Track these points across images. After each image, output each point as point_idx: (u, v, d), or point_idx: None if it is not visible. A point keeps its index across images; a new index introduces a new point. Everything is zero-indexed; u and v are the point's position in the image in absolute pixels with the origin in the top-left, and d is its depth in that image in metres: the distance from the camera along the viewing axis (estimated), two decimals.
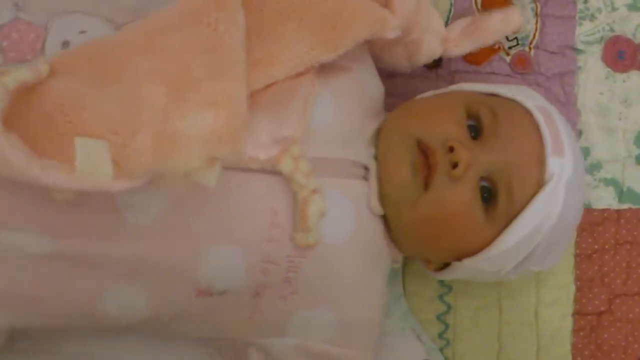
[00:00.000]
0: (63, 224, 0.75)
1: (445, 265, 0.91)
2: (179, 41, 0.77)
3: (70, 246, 0.76)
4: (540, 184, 0.83)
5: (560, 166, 0.83)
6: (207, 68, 0.76)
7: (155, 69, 0.76)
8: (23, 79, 0.73)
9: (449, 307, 1.02)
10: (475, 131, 0.84)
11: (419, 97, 0.94)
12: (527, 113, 0.86)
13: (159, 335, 0.92)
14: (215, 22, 0.77)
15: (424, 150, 0.82)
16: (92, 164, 0.70)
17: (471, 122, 0.84)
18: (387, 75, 0.96)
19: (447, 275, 0.92)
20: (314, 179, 0.78)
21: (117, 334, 0.92)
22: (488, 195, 0.83)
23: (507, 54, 1.06)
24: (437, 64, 1.04)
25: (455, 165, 0.80)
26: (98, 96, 0.75)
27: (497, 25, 0.96)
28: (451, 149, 0.80)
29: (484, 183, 0.83)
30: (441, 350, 1.01)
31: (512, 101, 0.87)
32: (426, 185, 0.81)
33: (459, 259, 0.87)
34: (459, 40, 0.96)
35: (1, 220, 0.75)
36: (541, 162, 0.83)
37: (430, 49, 0.94)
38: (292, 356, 0.85)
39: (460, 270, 0.89)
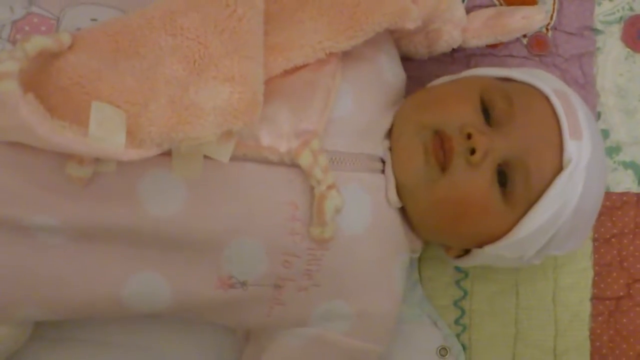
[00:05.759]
0: (79, 210, 0.75)
1: (466, 251, 0.91)
2: (198, 20, 0.77)
3: (87, 233, 0.76)
4: (558, 169, 0.82)
5: (579, 149, 0.82)
6: (225, 46, 0.76)
7: (175, 46, 0.77)
8: (44, 46, 0.73)
9: (466, 292, 1.02)
10: (490, 118, 0.83)
11: (430, 84, 0.93)
12: (544, 97, 0.85)
13: (182, 320, 0.93)
14: (234, 3, 0.78)
15: (439, 137, 0.82)
16: (105, 130, 0.71)
17: (486, 109, 0.84)
18: (403, 58, 0.95)
19: (467, 262, 0.91)
20: (331, 174, 0.79)
21: (141, 322, 0.94)
22: (505, 181, 0.82)
23: (524, 36, 1.04)
24: None
25: (472, 152, 0.80)
26: (116, 70, 0.75)
27: (519, 24, 0.98)
28: (469, 136, 0.80)
29: (501, 169, 0.82)
30: (458, 336, 1.00)
31: (528, 85, 0.86)
32: (443, 169, 0.81)
33: (480, 245, 0.86)
34: (479, 32, 0.97)
35: (22, 206, 0.75)
36: (559, 146, 0.83)
37: (450, 39, 0.95)
38: (309, 346, 0.85)
39: (482, 257, 0.88)
